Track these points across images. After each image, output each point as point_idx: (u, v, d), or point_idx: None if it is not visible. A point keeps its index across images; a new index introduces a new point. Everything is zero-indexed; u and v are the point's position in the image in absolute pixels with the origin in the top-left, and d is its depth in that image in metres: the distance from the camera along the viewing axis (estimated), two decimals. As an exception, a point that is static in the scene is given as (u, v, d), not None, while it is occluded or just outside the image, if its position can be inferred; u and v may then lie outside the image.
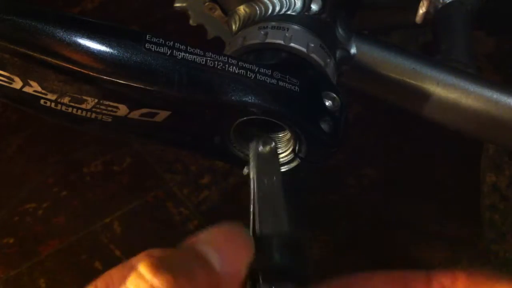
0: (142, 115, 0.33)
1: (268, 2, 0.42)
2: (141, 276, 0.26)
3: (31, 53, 0.31)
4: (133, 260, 0.27)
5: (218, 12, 0.49)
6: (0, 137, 1.08)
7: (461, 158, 0.94)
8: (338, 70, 0.44)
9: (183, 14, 0.53)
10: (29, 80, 0.32)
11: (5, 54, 0.31)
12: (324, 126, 0.36)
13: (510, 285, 0.28)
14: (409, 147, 0.99)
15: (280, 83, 0.35)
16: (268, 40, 0.39)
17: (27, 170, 1.04)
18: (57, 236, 0.97)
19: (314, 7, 0.43)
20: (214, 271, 0.27)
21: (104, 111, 0.33)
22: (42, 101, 0.33)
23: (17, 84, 0.32)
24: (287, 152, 0.37)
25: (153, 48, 0.32)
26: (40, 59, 0.31)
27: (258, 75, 0.34)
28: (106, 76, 0.31)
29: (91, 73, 0.31)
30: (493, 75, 0.78)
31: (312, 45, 0.40)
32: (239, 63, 0.34)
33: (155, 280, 0.26)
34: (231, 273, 0.28)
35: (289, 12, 0.42)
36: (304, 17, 0.42)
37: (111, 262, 0.92)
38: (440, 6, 0.50)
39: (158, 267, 0.27)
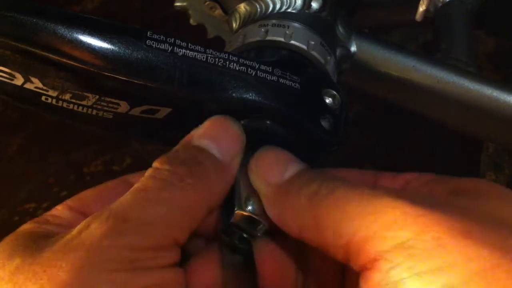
0: (143, 112, 0.33)
1: (268, 0, 0.42)
2: (158, 169, 0.30)
3: (33, 49, 0.31)
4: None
5: (218, 11, 0.49)
6: (0, 137, 1.08)
7: (461, 158, 0.94)
8: (339, 68, 0.44)
9: (183, 14, 0.53)
10: (30, 77, 0.32)
11: (6, 51, 0.31)
12: (325, 123, 0.36)
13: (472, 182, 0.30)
14: (409, 147, 0.99)
15: (281, 80, 0.35)
16: (268, 38, 0.39)
17: (27, 170, 1.04)
18: (57, 236, 0.97)
19: (314, 5, 0.43)
20: (217, 159, 0.31)
21: (105, 108, 0.33)
22: (43, 98, 0.33)
23: (18, 80, 0.32)
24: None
25: (154, 45, 0.32)
26: (41, 56, 0.31)
27: (258, 72, 0.34)
28: (107, 73, 0.31)
29: (92, 70, 0.31)
30: (493, 74, 0.78)
31: (313, 42, 0.40)
32: (240, 60, 0.34)
33: (172, 169, 0.30)
34: (230, 160, 0.31)
35: (289, 10, 0.42)
36: (304, 15, 0.42)
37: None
38: (440, 4, 0.50)
39: (172, 159, 0.31)
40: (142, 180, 0.30)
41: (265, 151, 0.33)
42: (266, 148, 0.33)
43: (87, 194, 0.34)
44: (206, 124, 0.32)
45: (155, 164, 0.31)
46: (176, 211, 0.28)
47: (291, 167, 0.31)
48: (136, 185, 0.29)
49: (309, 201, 0.28)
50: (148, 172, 0.30)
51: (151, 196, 0.28)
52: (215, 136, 0.32)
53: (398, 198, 0.26)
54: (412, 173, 0.33)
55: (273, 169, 0.31)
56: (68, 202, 0.33)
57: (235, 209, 0.31)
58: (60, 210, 0.33)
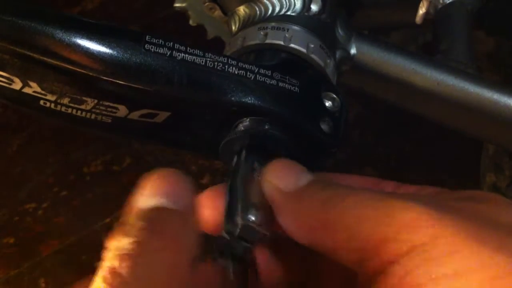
0: (141, 116, 0.33)
1: (268, 2, 0.42)
2: (119, 248, 0.26)
3: (31, 54, 0.31)
4: None
5: (218, 12, 0.49)
6: (0, 137, 1.08)
7: (461, 158, 0.94)
8: (338, 70, 0.44)
9: (183, 14, 0.53)
10: (28, 81, 0.32)
11: (4, 55, 0.31)
12: (324, 126, 0.36)
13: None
14: (409, 147, 0.99)
15: (280, 83, 0.35)
16: (268, 41, 0.39)
17: (27, 170, 1.04)
18: (57, 236, 0.97)
19: (314, 7, 0.42)
20: (172, 210, 0.28)
21: (103, 112, 0.33)
22: (41, 102, 0.33)
23: (17, 84, 0.32)
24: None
25: (152, 49, 0.32)
26: (39, 60, 0.31)
27: (257, 75, 0.34)
28: (106, 77, 0.31)
29: (91, 74, 0.31)
30: (493, 75, 0.78)
31: (312, 45, 0.40)
32: (239, 63, 0.34)
33: (136, 239, 0.26)
34: (185, 203, 0.28)
35: (289, 13, 0.42)
36: (304, 18, 0.42)
37: (111, 262, 0.92)
38: (440, 6, 0.50)
39: (128, 231, 0.27)
40: (108, 263, 0.26)
41: (279, 161, 0.32)
42: (279, 159, 0.32)
43: None
44: (143, 186, 0.29)
45: (111, 244, 0.27)
46: (162, 280, 0.25)
47: (305, 177, 0.31)
48: (101, 273, 0.25)
49: (322, 206, 0.28)
50: (109, 254, 0.26)
51: (133, 279, 0.25)
52: (157, 191, 0.28)
53: (412, 201, 0.26)
54: (415, 186, 0.32)
55: (287, 178, 0.31)
56: None
57: (235, 218, 0.31)
58: None
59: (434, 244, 0.24)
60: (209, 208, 0.33)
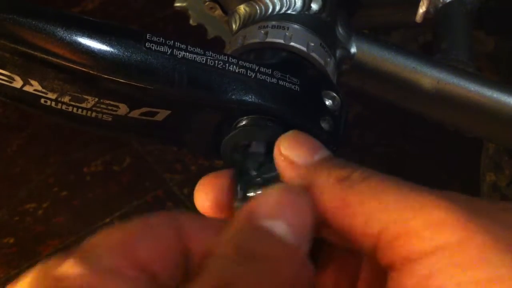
0: (142, 114, 0.33)
1: (268, 1, 0.42)
2: (223, 257, 0.23)
3: (32, 52, 0.31)
4: None
5: (218, 12, 0.49)
6: (0, 137, 1.08)
7: (461, 158, 0.94)
8: (338, 69, 0.44)
9: (183, 14, 0.53)
10: (29, 79, 0.32)
11: (5, 53, 0.31)
12: (324, 125, 0.36)
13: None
14: (409, 147, 1.00)
15: (281, 82, 0.35)
16: (268, 39, 0.39)
17: (27, 170, 1.04)
18: (57, 236, 0.97)
19: (314, 6, 0.43)
20: (290, 245, 0.25)
21: (104, 110, 0.33)
22: (42, 100, 0.33)
23: (18, 83, 0.32)
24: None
25: (153, 47, 0.32)
26: (40, 58, 0.31)
27: (258, 74, 0.34)
28: (107, 75, 0.31)
29: (92, 72, 0.31)
30: (493, 75, 0.78)
31: (312, 44, 0.40)
32: (239, 62, 0.34)
33: (238, 259, 0.23)
34: (303, 240, 0.25)
35: (289, 12, 0.42)
36: (304, 16, 0.42)
37: (111, 262, 0.92)
38: (440, 5, 0.50)
39: (236, 243, 0.24)
40: (210, 274, 0.22)
41: (293, 132, 0.29)
42: (293, 131, 0.29)
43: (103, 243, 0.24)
44: (273, 198, 0.25)
45: (219, 249, 0.24)
46: None
47: (321, 151, 0.28)
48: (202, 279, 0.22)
49: (340, 184, 0.26)
50: (213, 263, 0.23)
51: None
52: (284, 212, 0.25)
53: (442, 198, 0.24)
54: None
55: (301, 150, 0.28)
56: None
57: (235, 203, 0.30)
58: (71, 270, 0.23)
59: (462, 247, 0.23)
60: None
